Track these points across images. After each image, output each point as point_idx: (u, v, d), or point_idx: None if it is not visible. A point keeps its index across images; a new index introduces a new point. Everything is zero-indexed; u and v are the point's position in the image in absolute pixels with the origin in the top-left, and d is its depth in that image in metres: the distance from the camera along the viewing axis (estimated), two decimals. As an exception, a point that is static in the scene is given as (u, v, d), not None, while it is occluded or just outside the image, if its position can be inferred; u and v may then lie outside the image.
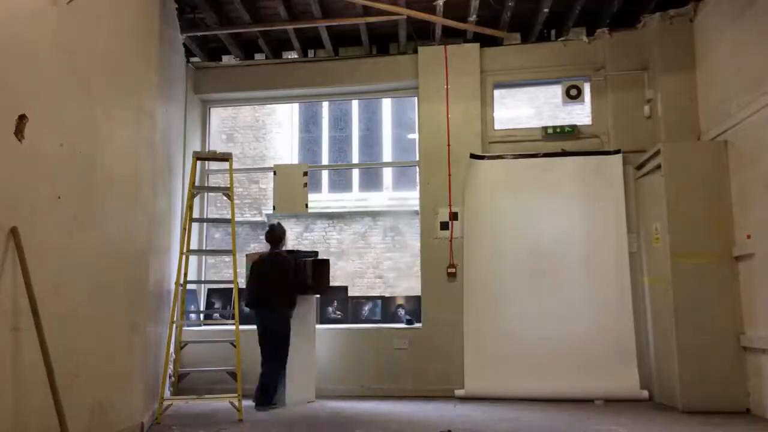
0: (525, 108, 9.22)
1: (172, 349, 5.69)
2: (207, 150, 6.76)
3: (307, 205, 6.20)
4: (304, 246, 9.53)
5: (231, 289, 6.36)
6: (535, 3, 5.64)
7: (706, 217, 4.96)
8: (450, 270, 5.92)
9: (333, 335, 5.97)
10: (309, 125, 10.47)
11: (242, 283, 5.67)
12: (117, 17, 4.01)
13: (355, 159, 10.00)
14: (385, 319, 6.24)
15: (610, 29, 5.97)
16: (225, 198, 5.61)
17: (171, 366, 5.58)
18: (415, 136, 6.74)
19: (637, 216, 5.71)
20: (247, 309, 5.42)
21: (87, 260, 3.50)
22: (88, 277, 3.51)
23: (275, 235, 5.46)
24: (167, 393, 5.31)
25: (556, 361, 5.46)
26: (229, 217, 5.56)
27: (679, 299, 4.88)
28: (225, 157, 5.42)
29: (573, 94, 6.03)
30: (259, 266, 5.38)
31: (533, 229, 5.79)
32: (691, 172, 5.04)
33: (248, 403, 5.29)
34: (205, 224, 6.70)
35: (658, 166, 5.19)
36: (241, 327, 5.75)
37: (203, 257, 6.67)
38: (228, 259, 8.61)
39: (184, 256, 5.17)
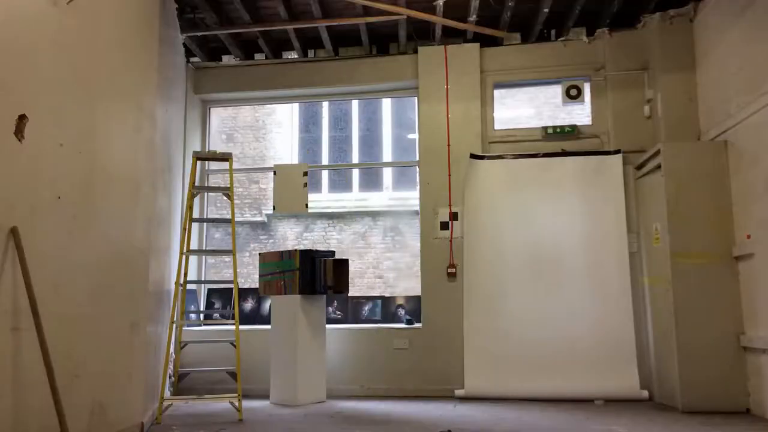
0: (525, 108, 9.22)
1: (172, 349, 5.70)
2: (207, 150, 6.76)
3: (307, 205, 6.21)
4: (304, 246, 9.53)
5: (231, 289, 6.38)
6: (535, 3, 5.64)
7: (706, 217, 4.96)
8: (450, 270, 5.92)
9: (333, 335, 5.97)
10: (309, 125, 10.47)
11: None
12: (117, 17, 4.01)
13: (355, 159, 10.00)
14: (385, 319, 6.25)
15: (610, 29, 5.97)
16: (225, 198, 5.62)
17: (171, 366, 5.58)
18: (415, 136, 6.75)
19: (637, 216, 5.71)
20: None
21: (87, 260, 3.50)
22: (88, 277, 3.51)
23: None
24: (167, 393, 5.32)
25: (556, 361, 5.46)
26: (228, 217, 5.56)
27: (679, 299, 4.89)
28: (225, 157, 5.43)
29: (573, 94, 6.03)
30: None
31: (533, 229, 5.79)
32: (691, 172, 5.04)
33: (248, 403, 5.30)
34: (205, 224, 6.71)
35: (658, 166, 5.19)
36: (241, 327, 5.76)
37: (203, 257, 6.67)
38: (228, 259, 8.62)
39: (184, 256, 5.17)
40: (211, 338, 5.80)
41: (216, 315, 6.33)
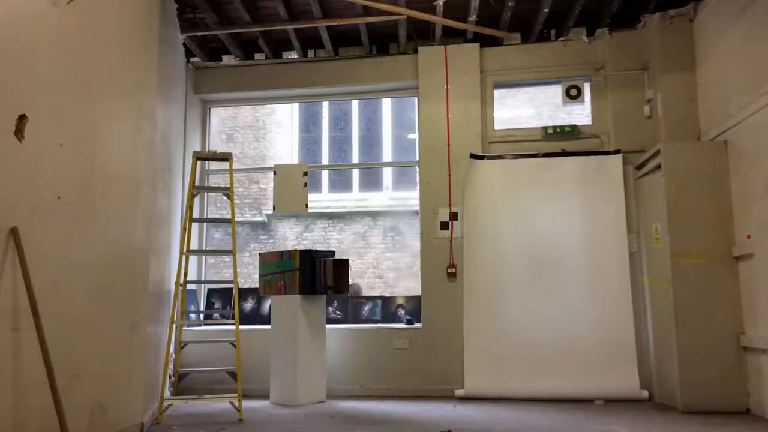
0: (525, 108, 9.22)
1: (172, 349, 5.70)
2: (207, 150, 6.76)
3: (307, 205, 6.21)
4: (304, 246, 9.53)
5: (231, 289, 6.38)
6: (535, 3, 5.64)
7: (706, 217, 4.96)
8: (450, 270, 5.92)
9: (333, 335, 5.97)
10: (309, 125, 10.47)
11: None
12: (117, 17, 4.01)
13: (355, 159, 10.00)
14: (385, 319, 6.25)
15: (610, 29, 5.97)
16: (225, 198, 5.62)
17: (171, 366, 5.58)
18: (415, 136, 6.75)
19: (637, 216, 5.71)
20: None
21: (87, 260, 3.50)
22: (88, 277, 3.51)
23: None
24: (167, 393, 5.32)
25: (556, 361, 5.46)
26: (228, 217, 5.56)
27: (679, 299, 4.89)
28: (225, 157, 5.43)
29: (573, 94, 6.03)
30: None
31: (533, 229, 5.79)
32: (691, 172, 5.04)
33: (248, 403, 5.30)
34: (205, 224, 6.71)
35: (658, 166, 5.19)
36: (241, 327, 5.75)
37: (203, 257, 6.67)
38: (228, 259, 8.62)
39: (184, 256, 5.17)
40: (211, 338, 5.80)
41: (216, 315, 6.33)
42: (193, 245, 6.45)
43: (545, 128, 6.10)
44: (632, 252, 5.64)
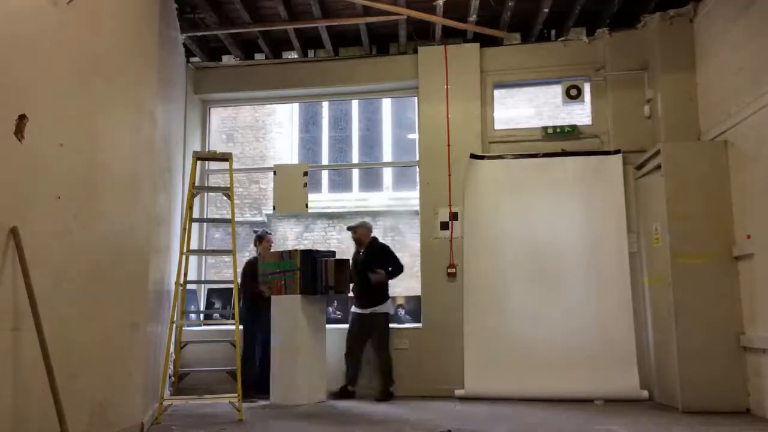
0: (525, 108, 9.21)
1: (172, 349, 5.69)
2: (207, 150, 6.76)
3: (307, 205, 6.20)
4: (304, 246, 9.52)
5: (231, 289, 6.36)
6: (535, 3, 5.64)
7: (706, 217, 4.96)
8: (450, 270, 5.91)
9: (333, 335, 5.95)
10: (309, 125, 10.46)
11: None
12: (117, 17, 4.01)
13: (355, 159, 9.98)
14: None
15: (610, 29, 5.96)
16: (225, 198, 5.61)
17: (171, 366, 5.58)
18: (415, 136, 6.74)
19: (637, 216, 5.71)
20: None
21: (87, 260, 3.50)
22: (88, 277, 3.51)
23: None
24: (167, 393, 5.31)
25: (556, 361, 5.46)
26: (228, 217, 5.56)
27: (679, 299, 4.88)
28: (225, 157, 5.42)
29: (573, 94, 6.02)
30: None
31: (533, 229, 5.78)
32: (691, 172, 5.04)
33: (249, 403, 5.29)
34: (205, 224, 6.70)
35: (658, 166, 5.19)
36: (241, 327, 5.72)
37: (203, 257, 6.67)
38: (228, 259, 8.60)
39: (184, 256, 5.16)
40: (212, 338, 5.80)
41: (216, 315, 6.32)
42: (193, 245, 6.44)
43: (545, 128, 6.10)
44: (632, 252, 5.64)
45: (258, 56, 6.62)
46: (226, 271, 9.19)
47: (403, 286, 6.64)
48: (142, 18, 4.45)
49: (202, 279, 6.61)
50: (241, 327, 5.37)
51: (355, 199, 10.09)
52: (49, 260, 3.12)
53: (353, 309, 5.82)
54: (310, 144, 10.36)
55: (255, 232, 5.95)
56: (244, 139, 10.22)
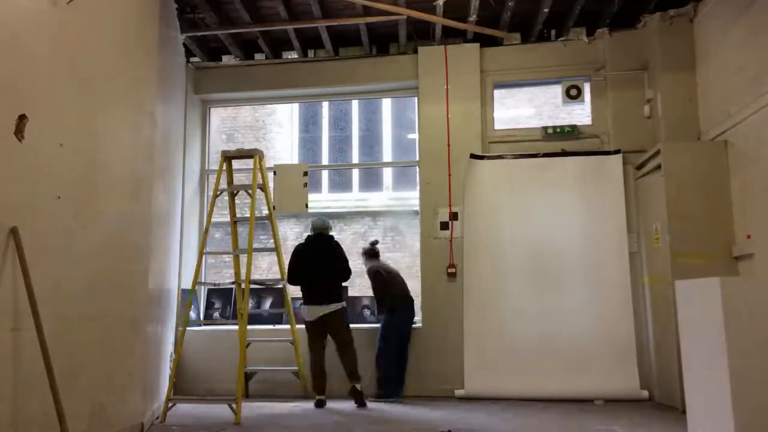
0: (525, 108, 9.21)
1: (171, 349, 5.70)
2: (207, 150, 6.76)
3: (307, 205, 6.20)
4: (304, 246, 9.51)
5: (229, 289, 6.36)
6: (535, 3, 5.64)
7: (706, 217, 4.95)
8: (450, 270, 5.91)
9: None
10: (309, 125, 10.45)
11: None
12: (117, 17, 4.01)
13: (355, 159, 9.98)
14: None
15: (610, 29, 5.96)
16: (247, 194, 5.78)
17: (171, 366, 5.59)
18: (415, 136, 6.74)
19: (637, 216, 5.71)
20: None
21: (87, 260, 3.50)
22: (88, 277, 3.51)
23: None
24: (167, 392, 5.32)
25: (557, 362, 5.46)
26: (242, 216, 5.58)
27: (679, 299, 4.87)
28: (251, 154, 5.51)
29: (573, 94, 6.02)
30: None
31: (533, 230, 5.78)
32: (691, 172, 5.04)
33: (246, 404, 5.29)
34: (205, 225, 6.68)
35: (658, 166, 5.19)
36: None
37: (203, 257, 6.64)
38: (228, 258, 8.60)
39: (236, 256, 5.49)
40: (270, 337, 5.82)
41: (215, 315, 6.31)
42: (193, 246, 6.45)
43: (545, 128, 6.10)
44: (632, 252, 5.64)
45: (258, 56, 6.61)
46: (226, 271, 9.18)
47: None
48: (142, 18, 4.45)
49: (202, 280, 6.59)
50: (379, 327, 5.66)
51: (355, 199, 10.08)
52: (49, 260, 3.12)
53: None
54: (310, 144, 10.36)
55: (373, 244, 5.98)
56: (244, 139, 10.21)
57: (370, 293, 5.89)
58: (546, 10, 5.62)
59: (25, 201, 2.96)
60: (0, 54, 2.80)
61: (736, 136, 4.86)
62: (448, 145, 6.09)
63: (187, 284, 6.25)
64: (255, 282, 5.70)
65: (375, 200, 10.03)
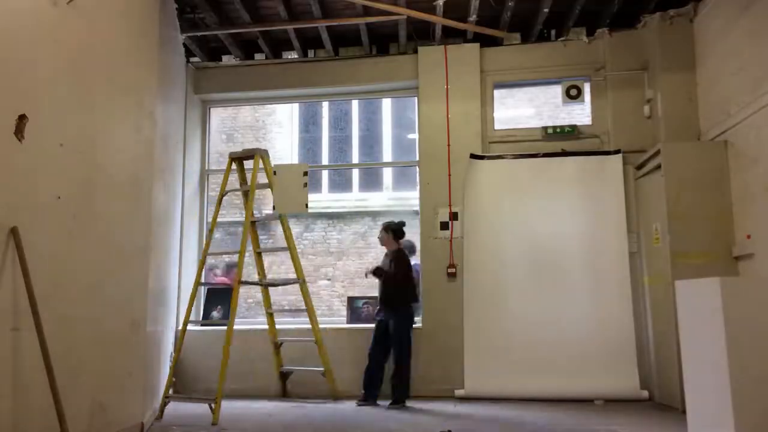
0: (525, 108, 9.20)
1: (171, 349, 5.70)
2: (208, 150, 6.76)
3: (307, 205, 6.19)
4: (304, 246, 9.52)
5: (227, 290, 6.35)
6: (535, 3, 5.64)
7: (706, 217, 4.95)
8: (450, 270, 5.91)
9: (333, 335, 5.96)
10: (309, 125, 10.45)
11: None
12: (117, 17, 4.01)
13: (355, 159, 9.98)
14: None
15: (610, 29, 5.96)
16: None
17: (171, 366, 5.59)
18: (415, 136, 6.74)
19: (637, 216, 5.71)
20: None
21: (87, 260, 3.50)
22: (87, 277, 3.51)
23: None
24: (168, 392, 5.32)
25: (556, 361, 5.46)
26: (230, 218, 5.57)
27: (679, 299, 4.87)
28: (252, 154, 5.66)
29: (573, 94, 6.02)
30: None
31: (533, 229, 5.78)
32: (691, 172, 5.04)
33: (244, 403, 5.28)
34: (205, 225, 6.68)
35: (658, 166, 5.19)
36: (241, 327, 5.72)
37: (206, 258, 6.63)
38: (227, 258, 8.60)
39: (253, 254, 5.49)
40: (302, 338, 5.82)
41: (214, 314, 6.31)
42: (193, 245, 6.45)
43: (545, 128, 6.10)
44: (632, 252, 5.64)
45: (258, 56, 6.61)
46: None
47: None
48: (142, 18, 4.45)
49: (202, 280, 6.57)
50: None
51: (355, 199, 10.08)
52: (49, 260, 3.12)
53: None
54: (310, 144, 10.36)
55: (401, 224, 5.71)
56: (244, 139, 10.21)
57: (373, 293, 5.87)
58: (546, 10, 5.62)
59: (25, 201, 2.96)
60: (0, 54, 2.80)
61: (736, 136, 4.86)
62: (448, 145, 6.09)
63: (187, 284, 6.25)
64: (271, 283, 5.71)
65: (375, 200, 10.03)
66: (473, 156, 5.99)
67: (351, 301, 6.43)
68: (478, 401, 5.39)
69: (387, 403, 5.24)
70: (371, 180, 10.14)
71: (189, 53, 6.41)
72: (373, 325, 5.68)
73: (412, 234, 6.22)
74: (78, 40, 3.48)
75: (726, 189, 4.98)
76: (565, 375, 5.41)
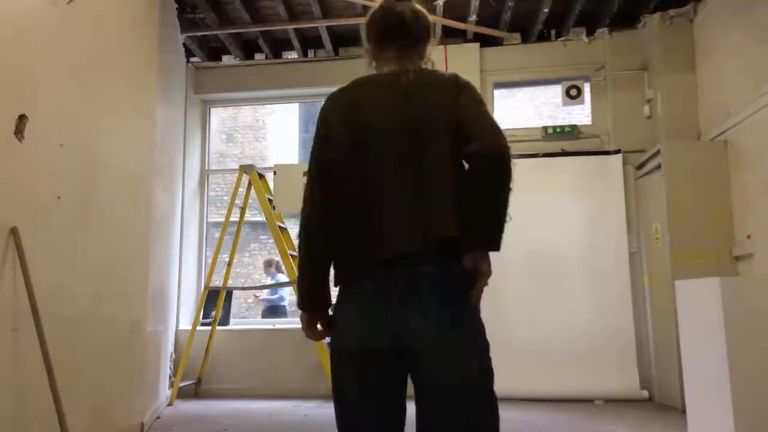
0: (525, 108, 9.21)
1: (171, 349, 5.71)
2: (207, 150, 6.77)
3: (307, 205, 6.19)
4: (304, 246, 9.52)
5: (230, 292, 6.36)
6: (535, 3, 5.64)
7: (706, 217, 4.95)
8: (450, 270, 5.90)
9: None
10: (309, 125, 10.46)
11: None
12: (117, 17, 4.01)
13: (355, 159, 9.99)
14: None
15: (610, 29, 5.96)
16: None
17: (171, 366, 5.60)
18: (415, 136, 6.73)
19: (637, 216, 5.71)
20: None
21: (87, 260, 3.50)
22: (88, 277, 3.51)
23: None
24: (167, 392, 5.32)
25: (556, 361, 5.45)
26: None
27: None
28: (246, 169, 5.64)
29: (573, 94, 6.02)
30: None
31: (533, 230, 5.77)
32: (691, 172, 5.04)
33: (244, 403, 5.28)
34: (205, 225, 6.69)
35: (658, 166, 5.19)
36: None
37: (204, 258, 6.65)
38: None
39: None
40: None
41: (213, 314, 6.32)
42: (194, 246, 6.45)
43: (545, 128, 6.10)
44: (632, 252, 5.64)
45: (258, 56, 6.61)
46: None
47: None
48: (142, 18, 4.45)
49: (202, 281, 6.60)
50: None
51: (355, 199, 10.08)
52: (49, 260, 3.12)
53: None
54: (310, 144, 10.36)
55: None
56: (244, 139, 10.22)
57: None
58: (546, 10, 5.61)
59: (25, 201, 2.96)
60: (0, 54, 2.80)
61: (736, 136, 4.86)
62: (448, 145, 6.08)
63: (188, 284, 6.26)
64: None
65: (375, 200, 10.03)
66: (473, 156, 5.98)
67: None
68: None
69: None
70: (371, 180, 10.13)
71: (189, 53, 6.41)
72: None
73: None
74: (78, 40, 3.48)
75: (726, 189, 4.97)
76: (565, 375, 5.40)
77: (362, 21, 5.53)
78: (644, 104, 5.83)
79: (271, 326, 6.16)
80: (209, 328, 5.92)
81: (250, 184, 5.93)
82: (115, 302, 3.85)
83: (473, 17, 5.76)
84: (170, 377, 5.55)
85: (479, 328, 1.68)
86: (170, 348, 5.71)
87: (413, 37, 1.70)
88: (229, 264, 5.95)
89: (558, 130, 6.06)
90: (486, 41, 6.19)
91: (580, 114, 8.55)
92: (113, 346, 3.83)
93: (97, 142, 3.69)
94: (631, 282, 5.54)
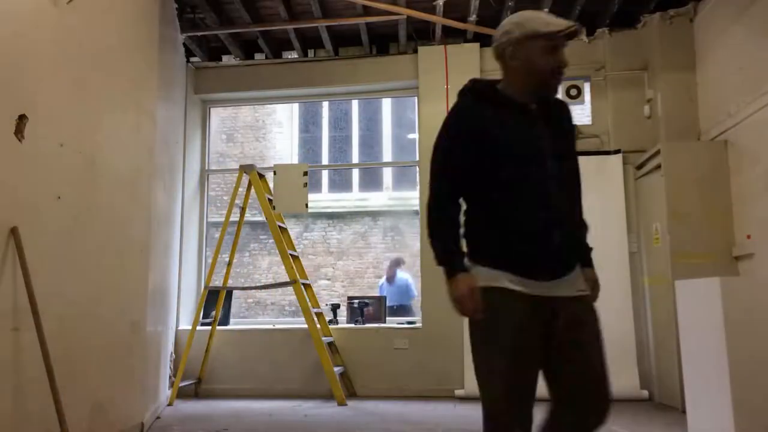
0: (525, 108, 9.21)
1: (171, 349, 5.71)
2: (207, 150, 6.77)
3: (307, 205, 6.19)
4: (304, 245, 9.52)
5: (230, 291, 6.36)
6: (534, 3, 5.63)
7: (706, 217, 4.95)
8: (450, 270, 5.90)
9: (333, 335, 5.96)
10: (309, 125, 10.46)
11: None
12: (117, 17, 4.01)
13: (355, 159, 9.99)
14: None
15: (610, 29, 5.96)
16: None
17: (171, 366, 5.60)
18: (415, 136, 6.74)
19: (637, 216, 5.71)
20: None
21: (87, 260, 3.50)
22: (88, 277, 3.51)
23: None
24: (167, 392, 5.32)
25: (556, 361, 5.45)
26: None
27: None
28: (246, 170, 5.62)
29: (573, 94, 6.02)
30: None
31: (533, 229, 5.77)
32: (691, 172, 5.04)
33: (244, 403, 5.28)
34: (205, 225, 6.69)
35: (658, 166, 5.19)
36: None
37: (204, 258, 6.65)
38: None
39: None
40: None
41: (213, 314, 6.32)
42: (194, 246, 6.45)
43: (545, 128, 6.08)
44: (632, 252, 5.64)
45: (258, 56, 6.61)
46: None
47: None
48: (142, 18, 4.45)
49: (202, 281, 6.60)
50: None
51: (355, 199, 10.09)
52: (49, 260, 3.12)
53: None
54: (310, 144, 10.36)
55: None
56: (244, 139, 10.22)
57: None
58: (546, 10, 5.61)
59: (25, 201, 2.96)
60: (0, 54, 2.80)
61: (736, 136, 4.86)
62: (448, 145, 6.07)
63: (188, 284, 6.26)
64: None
65: (375, 200, 10.04)
66: (473, 156, 5.98)
67: (351, 300, 6.42)
68: (478, 401, 5.38)
69: (387, 403, 5.24)
70: (371, 180, 10.14)
71: (189, 53, 6.41)
72: (373, 325, 5.68)
73: (412, 235, 6.22)
74: (78, 40, 3.48)
75: (726, 189, 4.97)
76: (565, 375, 5.39)
77: (362, 21, 5.56)
78: (644, 104, 5.83)
79: (271, 326, 6.16)
80: (209, 328, 5.93)
81: (250, 184, 5.94)
82: (115, 302, 3.85)
83: (473, 17, 5.76)
84: (170, 377, 5.55)
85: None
86: (170, 348, 5.71)
87: None
88: (229, 264, 5.99)
89: (558, 130, 6.04)
90: (486, 41, 6.18)
91: (580, 114, 8.53)
92: (113, 346, 3.83)
93: (97, 141, 3.69)
94: (631, 282, 5.54)
